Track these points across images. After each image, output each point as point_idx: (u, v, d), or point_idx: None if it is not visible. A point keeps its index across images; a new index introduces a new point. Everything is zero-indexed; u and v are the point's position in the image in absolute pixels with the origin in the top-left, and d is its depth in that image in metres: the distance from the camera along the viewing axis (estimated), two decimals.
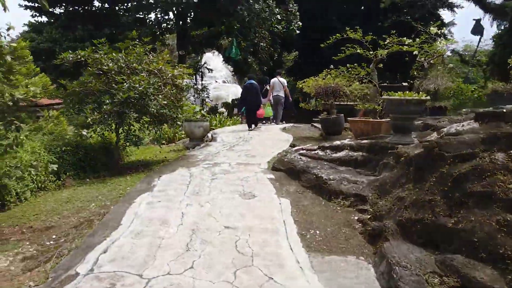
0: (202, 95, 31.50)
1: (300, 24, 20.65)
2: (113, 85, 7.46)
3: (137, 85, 7.24)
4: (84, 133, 7.19)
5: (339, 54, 8.19)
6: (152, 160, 9.28)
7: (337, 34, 8.00)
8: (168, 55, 8.21)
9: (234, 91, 42.21)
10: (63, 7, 22.07)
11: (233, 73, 34.97)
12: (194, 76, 32.06)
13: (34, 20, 22.28)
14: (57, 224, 4.70)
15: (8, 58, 5.01)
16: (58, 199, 5.89)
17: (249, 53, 22.23)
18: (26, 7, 21.10)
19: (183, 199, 4.99)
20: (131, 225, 4.19)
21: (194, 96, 33.23)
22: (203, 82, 40.64)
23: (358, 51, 7.53)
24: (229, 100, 33.15)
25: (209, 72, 32.16)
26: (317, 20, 25.52)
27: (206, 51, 42.28)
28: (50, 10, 21.71)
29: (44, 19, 22.38)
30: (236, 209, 4.58)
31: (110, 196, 5.81)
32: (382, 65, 7.40)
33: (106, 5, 22.61)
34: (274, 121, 13.57)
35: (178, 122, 8.89)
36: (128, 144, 8.20)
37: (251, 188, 5.37)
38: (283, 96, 13.15)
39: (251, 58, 21.61)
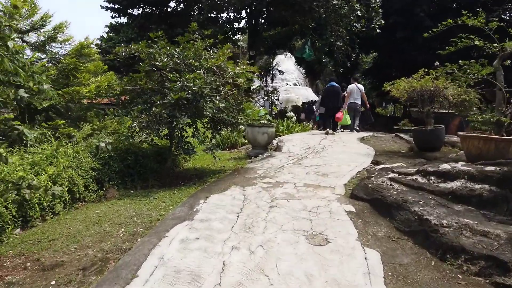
0: (272, 97, 30.45)
1: (383, 22, 18.44)
2: (166, 83, 6.41)
3: (191, 84, 6.10)
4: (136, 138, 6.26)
5: (447, 48, 6.28)
6: (209, 169, 8.15)
7: (449, 20, 6.10)
8: (229, 50, 6.98)
9: (305, 94, 40.63)
10: (141, 8, 22.29)
11: (305, 75, 33.39)
12: (264, 78, 31.18)
13: (114, 21, 22.76)
14: (68, 259, 3.63)
15: None
16: (88, 217, 4.89)
17: (323, 53, 20.52)
18: (107, 8, 21.57)
19: (228, 237, 3.63)
20: (150, 279, 2.93)
21: (263, 98, 32.36)
22: (273, 84, 39.62)
23: (477, 42, 5.62)
24: (300, 103, 31.66)
25: (280, 74, 30.96)
26: (402, 16, 22.95)
27: (278, 52, 41.30)
28: (129, 11, 22.09)
29: (123, 20, 22.80)
30: (301, 264, 3.11)
31: (148, 218, 4.68)
32: (510, 62, 5.43)
33: (181, 6, 22.43)
34: (353, 129, 12.09)
35: (240, 127, 7.67)
36: (179, 152, 7.10)
37: (323, 227, 3.85)
38: (360, 103, 11.93)
39: (325, 59, 19.89)
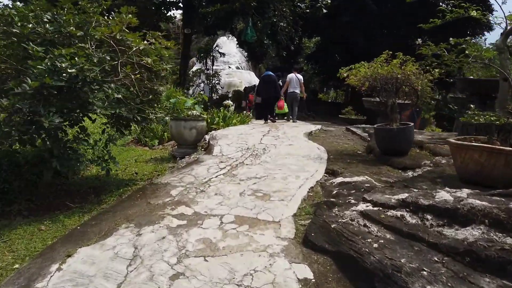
0: (213, 81, 28.20)
1: (329, 1, 16.93)
2: (29, 62, 4.13)
3: (66, 64, 3.91)
4: None
5: (432, 21, 4.69)
6: (115, 179, 6.03)
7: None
8: (130, 16, 4.80)
9: (247, 78, 38.70)
10: None
11: (247, 59, 31.41)
12: (204, 60, 28.71)
13: None
14: None
15: None
16: None
17: (266, 34, 18.66)
18: None
19: None
20: None
21: (204, 82, 29.95)
22: (215, 67, 37.12)
23: (473, 13, 4.06)
24: (242, 88, 29.75)
25: (221, 56, 28.66)
26: (346, 0, 21.66)
27: (220, 34, 38.84)
28: None
29: None
30: None
31: None
32: None
33: None
34: (290, 119, 11.55)
35: (167, 118, 5.65)
36: (58, 166, 4.80)
37: None
38: (299, 93, 11.44)
39: (268, 41, 18.05)
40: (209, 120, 9.61)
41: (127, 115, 4.61)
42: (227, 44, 38.75)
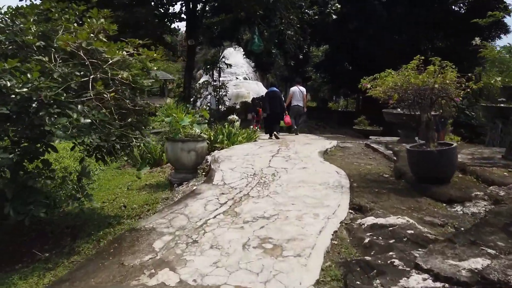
0: (220, 93, 27.42)
1: (339, 6, 15.97)
2: None
3: (13, 83, 2.98)
4: None
5: (491, 14, 3.64)
6: (99, 215, 5.07)
7: None
8: (103, 21, 3.85)
9: (255, 88, 37.86)
10: None
11: (254, 69, 30.57)
12: (211, 72, 28.01)
13: None
14: None
15: None
16: None
17: (273, 43, 17.76)
18: None
19: None
20: None
21: (211, 94, 29.16)
22: (222, 78, 36.39)
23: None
24: (250, 99, 28.88)
25: (227, 67, 27.89)
26: (354, 6, 20.71)
27: (226, 45, 38.22)
28: None
29: None
30: None
31: None
32: None
33: None
34: (294, 131, 11.43)
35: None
36: (11, 212, 3.79)
37: None
38: (303, 106, 11.39)
39: (275, 50, 17.14)
40: (212, 138, 8.64)
41: (101, 144, 3.65)
42: (234, 55, 38.08)
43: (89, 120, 3.37)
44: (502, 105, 8.32)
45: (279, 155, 6.88)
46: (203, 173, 6.66)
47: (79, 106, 3.43)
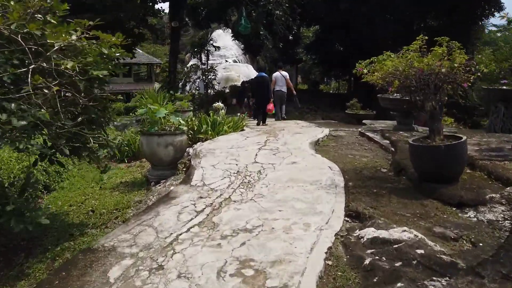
0: (209, 76, 26.51)
1: None
2: None
3: None
4: None
5: None
6: (62, 223, 4.44)
7: None
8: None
9: (245, 71, 36.91)
10: None
11: (243, 51, 29.60)
12: (198, 55, 27.03)
13: None
14: None
15: None
16: None
17: (261, 24, 16.89)
18: None
19: None
20: None
21: (199, 78, 28.21)
22: (211, 61, 35.34)
23: None
24: (240, 83, 28.04)
25: (215, 50, 26.84)
26: None
27: (214, 27, 36.98)
28: None
29: None
30: None
31: None
32: None
33: None
34: (279, 118, 11.35)
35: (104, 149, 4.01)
36: None
37: None
38: (286, 91, 11.39)
39: (263, 31, 16.30)
40: (195, 128, 7.98)
41: (43, 150, 2.99)
42: (223, 37, 36.91)
43: (24, 122, 2.69)
44: (504, 87, 7.77)
45: (267, 147, 6.25)
46: (184, 169, 6.03)
47: (12, 104, 2.75)
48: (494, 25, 33.02)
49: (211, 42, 26.81)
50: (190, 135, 8.04)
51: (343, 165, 5.17)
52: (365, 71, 4.39)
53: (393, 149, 5.72)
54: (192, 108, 10.98)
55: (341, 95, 28.17)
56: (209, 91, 27.06)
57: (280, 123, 10.17)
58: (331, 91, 32.74)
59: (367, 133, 7.00)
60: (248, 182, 4.54)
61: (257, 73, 10.86)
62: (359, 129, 7.80)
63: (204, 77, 26.16)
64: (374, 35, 20.32)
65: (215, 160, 5.56)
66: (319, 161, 5.32)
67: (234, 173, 4.92)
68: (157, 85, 24.61)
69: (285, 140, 6.84)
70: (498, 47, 33.65)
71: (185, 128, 6.51)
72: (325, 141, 6.85)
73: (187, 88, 40.61)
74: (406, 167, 4.55)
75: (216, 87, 27.41)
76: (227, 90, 25.66)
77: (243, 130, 8.49)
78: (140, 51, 31.48)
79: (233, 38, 24.81)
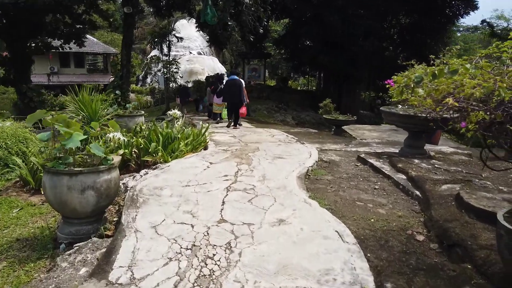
0: (171, 69, 24.00)
1: None
2: None
3: None
4: None
5: None
6: None
7: None
8: None
9: (210, 64, 34.41)
10: None
11: (209, 43, 27.19)
12: (159, 46, 24.43)
13: None
14: None
15: None
16: None
17: (228, 14, 14.75)
18: None
19: None
20: None
21: (160, 72, 25.57)
22: (174, 53, 32.52)
23: None
24: (204, 77, 25.70)
25: (178, 41, 24.34)
26: None
27: (178, 16, 34.23)
28: None
29: None
30: None
31: None
32: None
33: None
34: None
35: None
36: None
37: None
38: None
39: (231, 22, 14.19)
40: (141, 146, 5.87)
41: None
42: (187, 27, 34.17)
43: None
44: None
45: (238, 185, 4.27)
46: (114, 221, 3.95)
47: None
48: (460, 26, 32.67)
49: (174, 32, 24.25)
50: (134, 155, 5.93)
51: (356, 225, 3.32)
52: (399, 90, 2.54)
53: (417, 192, 3.95)
54: (144, 112, 8.76)
55: (311, 92, 26.62)
56: (171, 84, 24.50)
57: (251, 135, 8.22)
58: (299, 88, 31.14)
59: (369, 160, 5.21)
60: (209, 276, 2.56)
61: (230, 76, 10.48)
62: (356, 150, 6.00)
63: (165, 70, 23.61)
64: (347, 30, 18.80)
65: (159, 214, 3.52)
66: (320, 219, 3.42)
67: (187, 248, 2.92)
68: (112, 79, 21.81)
69: (263, 170, 4.89)
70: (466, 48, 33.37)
71: (120, 153, 4.42)
72: (316, 171, 4.97)
73: (148, 80, 37.55)
74: (462, 241, 2.77)
75: (179, 80, 24.93)
76: (190, 85, 23.31)
77: (205, 148, 6.45)
78: (95, 40, 28.23)
79: (197, 28, 22.28)
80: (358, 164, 5.26)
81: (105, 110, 8.09)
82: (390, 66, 21.68)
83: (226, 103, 10.84)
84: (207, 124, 7.79)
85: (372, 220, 3.47)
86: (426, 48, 21.24)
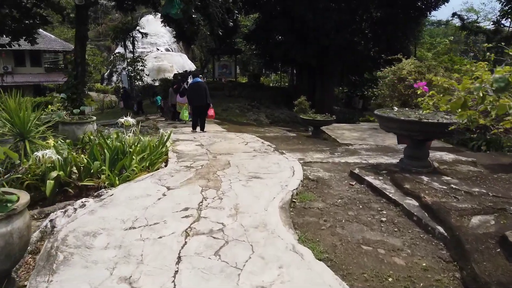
0: (135, 67, 22.32)
1: None
2: None
3: None
4: None
5: None
6: None
7: None
8: None
9: (179, 61, 32.67)
10: None
11: (175, 39, 25.62)
12: (122, 42, 22.69)
13: None
14: None
15: None
16: None
17: (195, 7, 13.39)
18: None
19: None
20: None
21: (126, 69, 23.81)
22: (140, 50, 30.62)
23: None
24: (172, 74, 24.14)
25: (143, 37, 22.66)
26: None
27: (144, 11, 32.32)
28: None
29: None
30: None
31: None
32: None
33: None
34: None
35: None
36: None
37: None
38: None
39: (196, 15, 12.85)
40: (83, 165, 4.59)
41: None
42: (154, 23, 32.24)
43: None
44: None
45: (202, 225, 3.11)
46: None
47: None
48: (426, 20, 32.66)
49: (138, 27, 22.56)
50: (74, 177, 4.65)
51: None
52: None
53: (440, 229, 2.94)
54: (94, 118, 7.39)
55: (283, 88, 25.63)
56: (137, 83, 22.79)
57: (221, 142, 7.03)
58: (271, 84, 30.10)
59: (366, 178, 4.17)
60: None
61: (193, 79, 9.78)
62: (346, 162, 4.96)
63: (130, 67, 21.91)
64: (318, 24, 17.89)
65: (83, 286, 2.32)
66: (317, 283, 2.33)
67: None
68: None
69: (236, 197, 3.74)
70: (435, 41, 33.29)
71: (53, 176, 3.19)
72: (303, 196, 3.88)
73: (114, 79, 35.25)
74: None
75: (145, 79, 23.27)
76: (157, 83, 21.75)
77: (166, 163, 5.22)
78: (52, 37, 25.94)
79: (163, 23, 20.73)
80: (353, 183, 4.23)
81: (46, 117, 6.70)
82: (362, 60, 21.09)
83: (186, 103, 10.50)
84: (168, 131, 6.53)
85: (390, 279, 2.42)
86: (398, 42, 20.71)
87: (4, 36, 14.73)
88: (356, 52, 19.97)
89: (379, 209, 3.52)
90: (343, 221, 3.30)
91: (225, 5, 12.76)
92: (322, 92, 21.20)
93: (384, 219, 3.30)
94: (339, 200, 3.76)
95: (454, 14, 20.29)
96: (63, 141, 6.17)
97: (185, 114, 10.86)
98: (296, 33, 19.23)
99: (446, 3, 18.51)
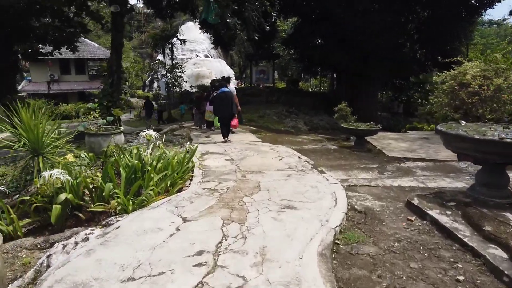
0: (174, 74, 22.18)
1: None
2: None
3: None
4: None
5: None
6: None
7: None
8: None
9: (218, 67, 32.54)
10: None
11: (213, 45, 25.35)
12: (161, 50, 22.73)
13: None
14: None
15: None
16: None
17: (231, 12, 12.88)
18: None
19: None
20: None
21: (164, 76, 23.80)
22: (180, 56, 30.69)
23: None
24: (210, 80, 23.85)
25: (181, 43, 22.60)
26: None
27: (184, 18, 32.58)
28: None
29: None
30: None
31: None
32: None
33: None
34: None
35: None
36: None
37: None
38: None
39: (231, 19, 12.30)
40: (95, 185, 4.07)
41: None
42: (193, 30, 32.44)
43: None
44: None
45: (218, 280, 2.39)
46: None
47: None
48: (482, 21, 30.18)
49: (178, 35, 22.55)
50: (87, 199, 4.14)
51: None
52: None
53: None
54: (122, 129, 6.97)
55: (323, 94, 24.55)
56: (175, 90, 22.72)
57: (253, 157, 6.31)
58: (310, 90, 29.08)
59: (429, 212, 3.24)
60: None
61: (220, 89, 9.39)
62: (399, 186, 4.06)
63: (169, 74, 21.88)
64: (359, 26, 16.74)
65: None
66: None
67: None
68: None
69: (263, 236, 2.98)
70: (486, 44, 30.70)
71: (61, 199, 2.65)
72: (349, 235, 3.06)
73: (155, 85, 35.86)
74: None
75: (184, 85, 23.16)
76: (194, 90, 21.53)
77: (188, 185, 4.58)
78: (96, 45, 26.72)
79: (201, 30, 20.48)
80: (412, 218, 3.33)
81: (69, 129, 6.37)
82: (407, 63, 19.56)
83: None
84: (195, 145, 5.92)
85: None
86: (447, 43, 18.99)
87: (47, 45, 15.11)
88: (401, 55, 18.55)
89: (451, 260, 2.62)
90: (404, 278, 2.44)
91: (261, 9, 12.10)
92: (364, 97, 19.90)
93: (461, 278, 2.40)
94: (396, 244, 2.89)
95: (511, 13, 18.24)
96: (85, 155, 5.76)
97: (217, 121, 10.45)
98: (336, 36, 18.22)
99: (502, 0, 16.65)
